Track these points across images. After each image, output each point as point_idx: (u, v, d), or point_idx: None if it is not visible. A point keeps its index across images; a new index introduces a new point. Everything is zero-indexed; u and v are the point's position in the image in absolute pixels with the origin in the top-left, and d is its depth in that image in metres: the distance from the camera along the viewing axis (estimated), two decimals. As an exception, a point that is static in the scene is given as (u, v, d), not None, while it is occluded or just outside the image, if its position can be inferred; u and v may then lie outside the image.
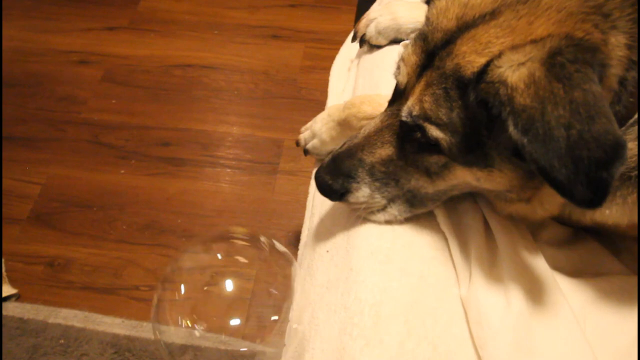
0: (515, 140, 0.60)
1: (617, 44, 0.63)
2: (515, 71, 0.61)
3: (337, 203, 0.92)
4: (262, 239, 1.22)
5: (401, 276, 0.79)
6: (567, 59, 0.59)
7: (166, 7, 2.60)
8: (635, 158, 0.66)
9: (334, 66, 1.43)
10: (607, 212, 0.74)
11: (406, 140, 0.76)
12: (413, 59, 0.74)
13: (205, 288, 1.25)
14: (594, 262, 0.83)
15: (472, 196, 0.86)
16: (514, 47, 0.63)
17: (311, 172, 1.21)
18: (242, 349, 1.26)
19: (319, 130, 1.08)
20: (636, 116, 0.67)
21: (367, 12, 1.19)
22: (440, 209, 0.85)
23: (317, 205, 1.04)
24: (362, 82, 1.18)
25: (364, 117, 0.96)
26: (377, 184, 0.80)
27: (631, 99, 0.66)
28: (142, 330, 1.58)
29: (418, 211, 0.84)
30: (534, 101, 0.59)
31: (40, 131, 2.12)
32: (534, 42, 0.62)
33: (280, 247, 1.19)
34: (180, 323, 1.20)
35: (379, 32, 1.17)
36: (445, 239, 0.84)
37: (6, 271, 1.71)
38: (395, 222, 0.84)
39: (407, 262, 0.81)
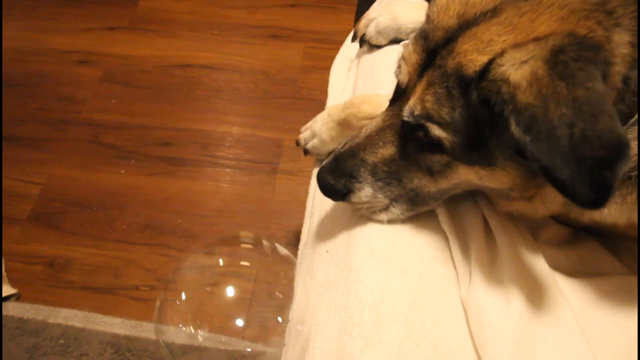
0: (518, 139, 0.59)
1: (621, 42, 0.63)
2: (518, 69, 0.60)
3: (337, 203, 0.92)
4: (265, 242, 1.22)
5: (401, 276, 0.79)
6: (570, 57, 0.59)
7: (166, 7, 2.60)
8: (636, 158, 0.66)
9: (334, 66, 1.43)
10: (606, 211, 0.73)
11: (408, 139, 0.76)
12: (414, 58, 0.74)
13: (208, 289, 1.25)
14: (594, 262, 0.83)
15: (472, 196, 0.86)
16: (516, 45, 0.63)
17: (311, 172, 1.21)
18: (247, 350, 1.27)
19: (318, 130, 1.08)
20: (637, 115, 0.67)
21: (367, 12, 1.19)
22: (442, 208, 0.85)
23: (317, 205, 1.04)
24: (362, 82, 1.18)
25: (364, 117, 0.95)
26: (380, 183, 0.80)
27: (634, 98, 0.65)
28: (142, 330, 1.58)
29: (420, 209, 0.84)
30: (536, 99, 0.58)
31: (40, 131, 2.12)
32: (536, 40, 0.62)
33: (283, 250, 1.19)
34: (183, 327, 1.20)
35: (379, 32, 1.17)
36: (446, 239, 0.84)
37: (6, 271, 1.71)
38: (398, 221, 0.84)
39: (407, 262, 0.81)
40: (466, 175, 0.75)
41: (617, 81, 0.63)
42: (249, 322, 1.35)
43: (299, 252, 1.08)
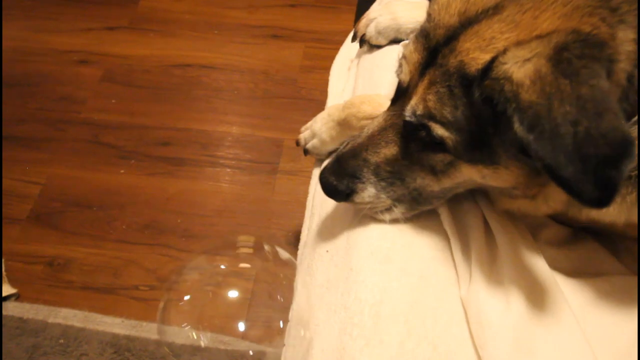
0: (521, 138, 0.59)
1: (626, 39, 0.62)
2: (521, 67, 0.59)
3: (337, 203, 0.92)
4: (266, 247, 1.22)
5: (401, 276, 0.79)
6: (574, 55, 0.58)
7: (166, 7, 2.59)
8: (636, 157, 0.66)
9: (334, 66, 1.43)
10: (605, 210, 0.73)
11: (410, 139, 0.76)
12: (415, 57, 0.73)
13: (209, 291, 1.25)
14: (594, 262, 0.83)
15: (472, 195, 0.86)
16: (518, 43, 0.62)
17: (311, 172, 1.21)
18: (248, 350, 1.27)
19: (318, 130, 1.08)
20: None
21: (367, 12, 1.19)
22: (444, 207, 0.85)
23: (317, 205, 1.04)
24: (362, 82, 1.18)
25: (364, 117, 0.95)
26: (383, 183, 0.80)
27: (636, 97, 0.64)
28: (142, 330, 1.58)
29: (423, 208, 0.84)
30: (540, 98, 0.58)
31: (40, 131, 2.12)
32: (539, 37, 0.61)
33: (284, 254, 1.19)
34: (184, 328, 1.20)
35: (379, 32, 1.17)
36: (445, 239, 0.84)
37: (6, 271, 1.71)
38: (401, 220, 0.84)
39: (407, 262, 0.81)
40: (469, 174, 0.74)
41: (621, 79, 0.62)
42: (250, 322, 1.35)
43: (299, 252, 1.08)
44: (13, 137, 2.09)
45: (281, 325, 1.16)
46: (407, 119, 0.73)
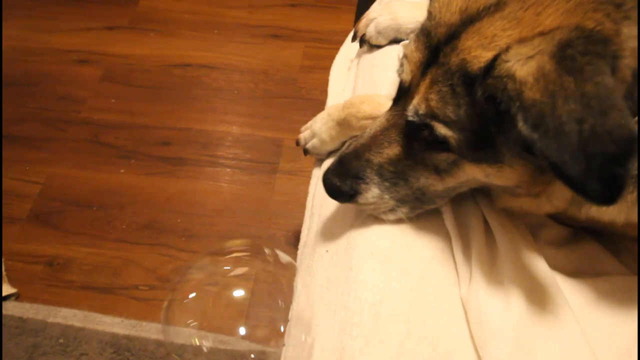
0: (526, 136, 0.58)
1: (631, 35, 0.61)
2: (524, 65, 0.59)
3: (337, 203, 0.92)
4: (267, 250, 1.22)
5: (401, 276, 0.79)
6: (578, 51, 0.57)
7: (166, 7, 2.59)
8: None
9: (334, 66, 1.43)
10: (604, 208, 0.73)
11: (413, 139, 0.75)
12: (416, 56, 0.73)
13: (209, 292, 1.25)
14: (594, 262, 0.83)
15: (473, 195, 0.86)
16: (521, 40, 0.61)
17: (311, 171, 1.21)
18: (248, 351, 1.27)
19: (318, 130, 1.08)
20: None
21: (367, 12, 1.19)
22: (447, 206, 0.84)
23: (317, 205, 1.04)
24: (361, 82, 1.18)
25: (364, 117, 0.95)
26: (387, 183, 0.80)
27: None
28: (142, 329, 1.58)
29: (427, 207, 0.83)
30: (544, 96, 0.57)
31: (40, 131, 2.12)
32: (542, 34, 0.61)
33: (284, 257, 1.19)
34: (185, 328, 1.20)
35: (379, 32, 1.17)
36: (446, 239, 0.84)
37: (6, 270, 1.71)
38: (406, 220, 0.84)
39: (407, 262, 0.81)
40: (473, 173, 0.74)
41: (626, 75, 0.61)
42: (250, 322, 1.35)
43: (299, 251, 1.08)
44: (13, 136, 2.09)
45: (282, 330, 1.16)
46: (410, 118, 0.72)
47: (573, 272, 0.80)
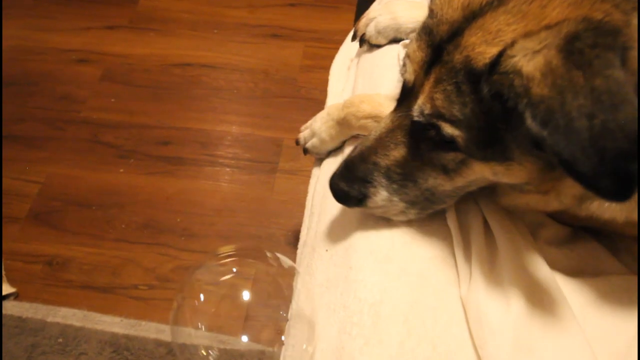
0: (535, 133, 0.56)
1: None
2: (530, 60, 0.57)
3: (336, 202, 0.92)
4: (268, 254, 1.21)
5: (401, 276, 0.79)
6: (586, 44, 0.55)
7: (166, 6, 2.59)
8: None
9: (334, 65, 1.42)
10: (606, 205, 0.72)
11: (420, 139, 0.74)
12: (419, 55, 0.71)
13: (209, 292, 1.25)
14: (594, 262, 0.83)
15: (472, 194, 0.86)
16: (527, 34, 0.60)
17: (311, 171, 1.21)
18: (250, 352, 1.26)
19: (318, 129, 1.08)
20: None
21: (367, 12, 1.19)
22: (450, 206, 0.84)
23: (317, 204, 1.04)
24: (361, 82, 1.18)
25: (363, 116, 0.95)
26: (395, 186, 0.79)
27: None
28: (141, 329, 1.58)
29: (437, 207, 0.83)
30: (552, 91, 0.55)
31: (40, 130, 2.11)
32: (548, 27, 0.59)
33: (286, 261, 1.18)
34: (185, 328, 1.19)
35: (379, 32, 1.17)
36: (445, 239, 0.84)
37: (5, 270, 1.71)
38: (416, 220, 0.83)
39: (407, 262, 0.81)
40: (481, 172, 0.72)
41: (637, 67, 0.59)
42: (249, 322, 1.35)
43: (298, 251, 1.08)
44: (12, 136, 2.09)
45: (280, 323, 1.16)
46: (415, 119, 0.71)
47: (573, 272, 0.80)
